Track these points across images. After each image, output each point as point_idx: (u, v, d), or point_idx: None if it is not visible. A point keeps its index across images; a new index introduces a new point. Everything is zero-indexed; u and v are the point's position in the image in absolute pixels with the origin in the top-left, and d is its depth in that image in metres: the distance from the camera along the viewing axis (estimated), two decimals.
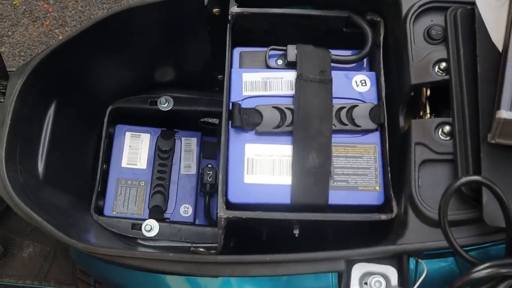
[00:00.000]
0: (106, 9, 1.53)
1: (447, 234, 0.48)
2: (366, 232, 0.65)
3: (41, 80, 0.76)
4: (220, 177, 0.61)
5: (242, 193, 0.62)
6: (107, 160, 0.93)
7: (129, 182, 0.92)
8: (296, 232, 0.65)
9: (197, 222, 0.94)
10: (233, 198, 0.62)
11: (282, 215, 0.60)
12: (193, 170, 0.95)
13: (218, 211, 0.59)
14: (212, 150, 0.97)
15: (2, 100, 0.76)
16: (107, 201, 0.90)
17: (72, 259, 0.98)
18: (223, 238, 0.60)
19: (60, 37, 1.51)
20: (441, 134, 0.58)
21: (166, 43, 0.85)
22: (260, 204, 0.62)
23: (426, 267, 0.56)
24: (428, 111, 0.62)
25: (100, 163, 0.91)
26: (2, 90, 0.78)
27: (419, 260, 0.57)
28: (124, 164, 0.93)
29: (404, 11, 0.63)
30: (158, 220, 0.89)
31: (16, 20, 1.52)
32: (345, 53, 0.70)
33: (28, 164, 0.76)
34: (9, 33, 1.51)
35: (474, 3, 0.58)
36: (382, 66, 0.66)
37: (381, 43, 0.67)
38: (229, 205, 0.62)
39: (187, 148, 0.96)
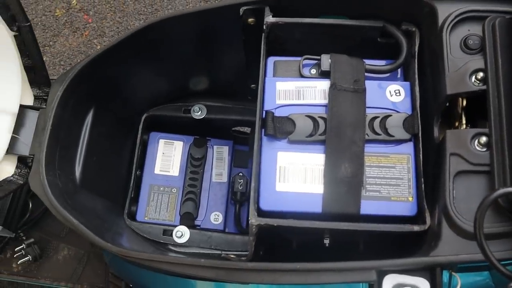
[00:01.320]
0: (142, 20, 1.57)
1: (483, 247, 0.47)
2: (398, 243, 0.64)
3: (80, 88, 0.79)
4: (252, 184, 0.61)
5: (273, 201, 0.62)
6: (141, 166, 0.94)
7: (161, 188, 0.94)
8: (327, 242, 0.65)
9: (227, 230, 0.94)
10: (265, 205, 0.62)
11: (313, 223, 0.60)
12: (225, 178, 0.96)
13: (249, 218, 0.60)
14: (244, 159, 0.97)
15: (44, 106, 0.79)
16: (140, 207, 0.92)
17: (105, 262, 0.99)
18: (254, 245, 0.60)
19: (98, 47, 1.55)
20: (477, 145, 0.57)
21: (201, 52, 0.87)
22: (291, 212, 0.62)
23: (460, 280, 0.55)
24: (464, 121, 0.61)
25: (134, 169, 0.92)
26: (44, 97, 0.81)
27: (453, 273, 0.56)
28: (157, 171, 0.94)
29: (440, 21, 0.63)
30: (189, 227, 0.90)
31: (58, 30, 1.58)
32: (379, 63, 0.69)
33: (66, 169, 0.79)
34: (51, 43, 1.57)
35: None
36: (416, 76, 0.66)
37: (416, 53, 0.67)
38: (261, 213, 0.62)
39: (219, 156, 0.97)
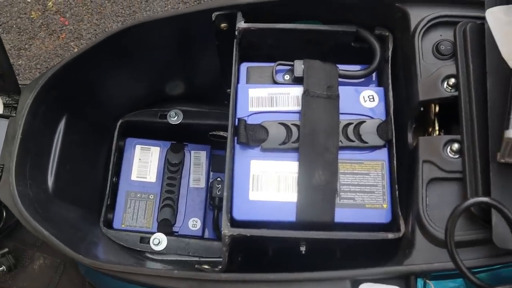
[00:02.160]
0: (120, 22, 1.55)
1: (454, 257, 0.47)
2: (374, 249, 0.64)
3: (52, 95, 0.77)
4: (225, 193, 0.60)
5: (247, 210, 0.62)
6: (117, 173, 0.93)
7: (138, 195, 0.92)
8: (303, 249, 0.64)
9: (205, 235, 0.93)
10: (238, 215, 0.62)
11: (287, 233, 0.59)
12: (202, 184, 0.95)
13: (222, 229, 0.59)
14: (221, 164, 0.97)
15: (14, 115, 0.77)
16: (116, 214, 0.91)
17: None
18: (227, 255, 0.59)
19: (76, 50, 1.53)
20: (449, 151, 0.57)
21: (177, 57, 0.85)
22: (265, 221, 0.61)
23: None
24: (436, 127, 0.61)
25: (110, 176, 0.91)
26: (14, 105, 0.79)
27: (427, 281, 0.55)
28: (133, 177, 0.93)
29: (412, 26, 0.62)
30: (166, 233, 0.89)
31: (33, 33, 1.55)
32: (353, 68, 0.69)
33: (38, 178, 0.77)
34: (26, 46, 1.54)
35: (484, 18, 0.56)
36: (390, 81, 0.65)
37: (390, 58, 0.66)
38: (234, 222, 0.61)
39: (196, 162, 0.96)
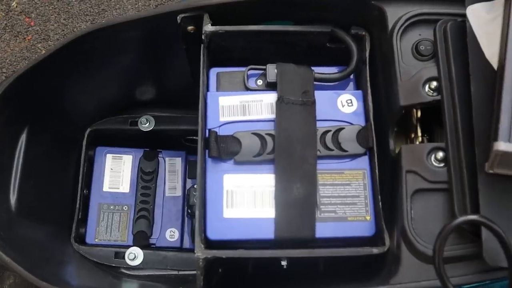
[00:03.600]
0: (89, 21, 1.48)
1: (444, 280, 0.43)
2: (358, 262, 0.61)
3: (9, 107, 0.72)
4: (197, 213, 0.56)
5: (221, 229, 0.58)
6: (88, 184, 0.88)
7: (111, 207, 0.88)
8: (284, 263, 0.61)
9: (184, 246, 0.89)
10: (212, 235, 0.57)
11: (265, 253, 0.56)
12: (179, 192, 0.91)
13: (195, 252, 0.55)
14: None
15: None
16: (89, 228, 0.86)
17: None
18: (203, 279, 0.55)
19: (43, 52, 1.46)
20: (434, 160, 0.53)
21: (145, 61, 0.81)
22: (242, 240, 0.58)
23: None
24: (419, 133, 0.57)
25: (80, 189, 0.86)
26: None
27: None
28: (105, 188, 0.89)
29: (390, 25, 0.58)
30: (143, 246, 0.85)
31: None
32: (330, 70, 0.65)
33: None
34: None
35: (465, 15, 0.53)
36: (369, 84, 0.61)
37: (367, 59, 0.62)
38: (208, 243, 0.57)
39: (172, 169, 0.92)
